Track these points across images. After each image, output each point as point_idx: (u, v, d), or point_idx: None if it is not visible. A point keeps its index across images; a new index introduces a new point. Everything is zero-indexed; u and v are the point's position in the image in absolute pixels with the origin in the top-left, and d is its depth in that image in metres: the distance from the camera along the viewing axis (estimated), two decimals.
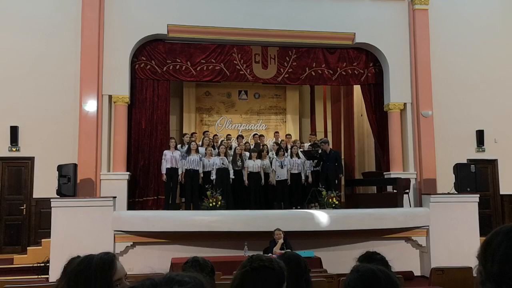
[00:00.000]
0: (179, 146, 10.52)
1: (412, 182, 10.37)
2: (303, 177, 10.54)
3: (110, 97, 9.84)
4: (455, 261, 7.41)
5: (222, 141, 11.13)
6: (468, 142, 11.36)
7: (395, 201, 9.70)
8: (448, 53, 11.22)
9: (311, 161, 10.65)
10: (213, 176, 9.88)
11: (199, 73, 10.58)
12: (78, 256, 1.79)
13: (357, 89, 12.37)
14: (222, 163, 9.99)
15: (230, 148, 10.87)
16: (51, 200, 8.56)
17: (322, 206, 9.54)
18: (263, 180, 10.29)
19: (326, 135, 13.34)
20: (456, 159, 10.04)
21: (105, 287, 1.66)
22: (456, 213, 9.27)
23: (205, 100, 13.35)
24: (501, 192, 11.54)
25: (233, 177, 10.12)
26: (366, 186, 12.19)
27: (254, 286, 1.97)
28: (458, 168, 9.62)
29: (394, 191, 10.13)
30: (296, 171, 10.48)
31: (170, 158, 9.90)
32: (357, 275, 1.81)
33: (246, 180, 10.21)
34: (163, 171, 9.89)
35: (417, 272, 9.25)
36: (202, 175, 9.92)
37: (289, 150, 10.82)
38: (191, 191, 9.94)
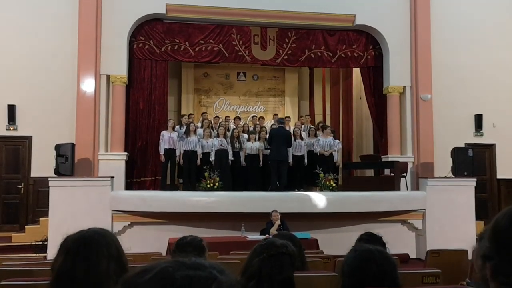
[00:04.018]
0: (177, 127, 10.50)
1: (410, 165, 10.40)
2: (306, 160, 10.52)
3: (108, 77, 9.78)
4: (451, 244, 7.44)
5: (220, 122, 11.11)
6: (466, 126, 11.36)
7: (392, 184, 9.73)
8: (448, 36, 11.13)
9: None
10: (212, 158, 9.89)
11: (198, 54, 10.51)
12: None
13: (356, 71, 12.32)
14: (221, 145, 10.00)
15: (228, 130, 10.86)
16: (49, 179, 8.57)
17: (320, 188, 9.58)
18: (261, 162, 10.28)
19: (324, 118, 13.35)
20: (454, 143, 10.05)
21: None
22: (453, 197, 9.31)
23: (203, 81, 13.29)
24: (498, 177, 11.58)
25: (232, 158, 10.14)
26: (364, 169, 12.22)
27: (272, 271, 2.03)
28: (456, 152, 9.64)
29: (392, 174, 10.16)
30: (299, 153, 10.46)
31: (168, 138, 9.90)
32: (354, 254, 1.84)
33: (243, 162, 10.23)
34: (161, 151, 9.89)
35: (412, 255, 9.32)
36: (201, 156, 9.93)
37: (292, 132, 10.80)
38: (189, 172, 9.96)
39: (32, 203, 10.12)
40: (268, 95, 13.59)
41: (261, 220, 8.00)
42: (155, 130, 10.29)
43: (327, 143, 10.51)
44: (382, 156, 10.98)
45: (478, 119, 11.41)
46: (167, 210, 8.56)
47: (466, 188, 9.43)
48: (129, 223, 8.67)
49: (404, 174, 10.16)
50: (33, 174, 10.11)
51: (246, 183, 10.16)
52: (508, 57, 11.54)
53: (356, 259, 1.82)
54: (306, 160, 10.51)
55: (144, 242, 8.24)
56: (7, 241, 9.08)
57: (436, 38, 10.77)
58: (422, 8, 10.62)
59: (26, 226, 9.50)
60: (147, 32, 10.26)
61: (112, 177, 8.83)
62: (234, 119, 11.74)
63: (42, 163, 9.69)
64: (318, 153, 10.45)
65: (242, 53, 10.63)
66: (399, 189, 9.77)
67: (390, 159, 10.47)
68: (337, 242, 7.13)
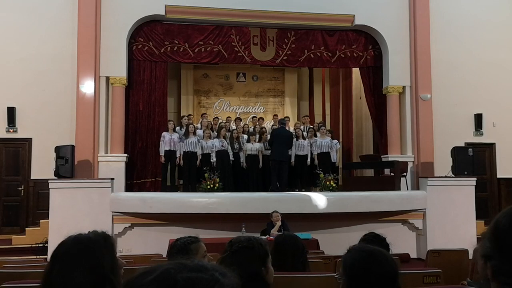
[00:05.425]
0: (177, 128, 10.50)
1: (410, 165, 10.39)
2: (309, 159, 10.46)
3: (107, 78, 9.77)
4: (451, 243, 7.46)
5: (220, 123, 11.10)
6: (466, 125, 11.36)
7: (392, 184, 9.72)
8: (448, 36, 11.13)
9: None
10: (213, 159, 9.89)
11: (197, 55, 10.50)
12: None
13: (356, 72, 12.32)
14: (222, 146, 10.00)
15: (229, 131, 10.86)
16: (49, 181, 8.57)
17: (320, 189, 9.58)
18: (260, 163, 10.28)
19: (324, 118, 13.35)
20: (454, 143, 10.05)
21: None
22: (453, 196, 9.31)
23: (203, 82, 13.29)
24: (498, 176, 11.57)
25: (233, 159, 10.15)
26: (364, 169, 12.22)
27: (237, 267, 2.02)
28: (456, 152, 9.63)
29: (392, 174, 10.15)
30: (302, 153, 10.44)
31: (169, 140, 9.91)
32: (353, 253, 1.83)
33: (243, 163, 10.23)
34: (162, 153, 9.90)
35: (413, 255, 9.32)
36: (200, 157, 9.92)
37: (293, 132, 10.79)
38: (189, 173, 9.96)
39: (33, 205, 10.12)
40: (268, 95, 13.60)
41: (261, 220, 7.99)
42: (155, 131, 10.29)
43: (325, 144, 10.51)
44: (382, 156, 10.97)
45: (478, 119, 11.41)
46: (167, 212, 8.55)
47: (466, 188, 9.43)
48: (130, 224, 8.67)
49: (404, 173, 10.15)
50: (33, 176, 10.11)
51: (246, 184, 10.15)
52: (508, 56, 11.54)
53: (354, 259, 1.81)
54: (309, 160, 10.46)
55: (144, 244, 8.25)
56: (8, 243, 9.08)
57: (436, 38, 10.76)
58: (421, 8, 10.61)
59: (26, 228, 9.50)
60: (146, 34, 10.25)
61: (112, 178, 8.83)
62: (235, 120, 11.74)
63: (42, 165, 9.70)
64: (312, 156, 10.44)
65: (241, 54, 10.63)
66: (399, 189, 9.77)
67: (390, 159, 10.46)
68: (338, 242, 7.11)
